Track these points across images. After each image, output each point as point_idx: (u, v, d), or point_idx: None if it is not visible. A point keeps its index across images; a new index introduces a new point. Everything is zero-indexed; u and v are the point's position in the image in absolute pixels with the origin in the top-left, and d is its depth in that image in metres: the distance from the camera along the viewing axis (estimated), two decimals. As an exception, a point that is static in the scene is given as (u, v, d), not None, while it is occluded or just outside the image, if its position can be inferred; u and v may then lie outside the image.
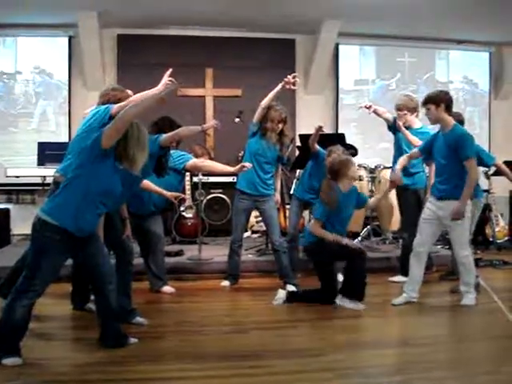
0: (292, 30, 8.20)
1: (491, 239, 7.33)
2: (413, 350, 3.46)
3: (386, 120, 5.59)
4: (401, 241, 6.18)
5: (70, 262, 3.57)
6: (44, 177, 6.91)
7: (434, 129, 4.91)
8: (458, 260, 4.53)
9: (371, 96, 8.63)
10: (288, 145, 5.25)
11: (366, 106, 5.54)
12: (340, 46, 8.57)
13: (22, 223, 7.16)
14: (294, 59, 8.39)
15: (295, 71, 6.62)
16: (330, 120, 8.57)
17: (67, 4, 6.93)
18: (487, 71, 9.08)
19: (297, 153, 6.37)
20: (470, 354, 3.40)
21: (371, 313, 4.33)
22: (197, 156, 5.24)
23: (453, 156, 4.37)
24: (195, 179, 6.60)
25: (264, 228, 5.80)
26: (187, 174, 6.22)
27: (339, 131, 8.11)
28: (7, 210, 7.54)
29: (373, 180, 7.26)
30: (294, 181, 6.70)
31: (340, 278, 4.78)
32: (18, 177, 7.13)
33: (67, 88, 8.00)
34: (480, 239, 7.31)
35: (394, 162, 5.26)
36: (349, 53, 8.70)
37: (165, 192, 4.63)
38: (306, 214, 6.38)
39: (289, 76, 5.09)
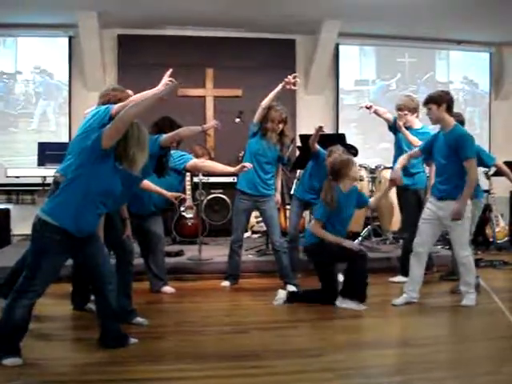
0: (292, 31, 8.21)
1: (491, 239, 7.33)
2: (413, 351, 3.46)
3: (387, 120, 5.59)
4: (401, 241, 6.18)
5: (70, 262, 3.57)
6: (44, 177, 6.91)
7: (434, 129, 4.91)
8: (459, 260, 4.53)
9: (371, 96, 8.64)
10: (288, 145, 5.25)
11: (366, 106, 5.55)
12: (340, 46, 8.58)
13: (22, 223, 7.15)
14: (295, 59, 8.39)
15: (295, 71, 6.62)
16: (331, 120, 8.57)
17: (67, 4, 6.94)
18: (487, 71, 9.09)
19: (297, 153, 6.37)
20: (470, 355, 3.40)
21: (371, 313, 4.33)
22: (197, 156, 5.24)
23: (453, 156, 4.37)
24: (195, 179, 6.59)
25: (264, 228, 5.80)
26: (187, 174, 6.22)
27: (339, 131, 8.11)
28: (7, 211, 7.54)
29: (373, 180, 7.25)
30: (295, 181, 6.70)
31: (340, 278, 4.77)
32: (18, 177, 7.13)
33: (67, 88, 8.01)
34: (480, 239, 7.30)
35: (395, 162, 5.24)
36: (349, 53, 8.71)
37: (165, 192, 4.63)
38: (306, 214, 6.39)
39: (289, 76, 5.09)
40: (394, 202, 6.47)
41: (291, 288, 4.91)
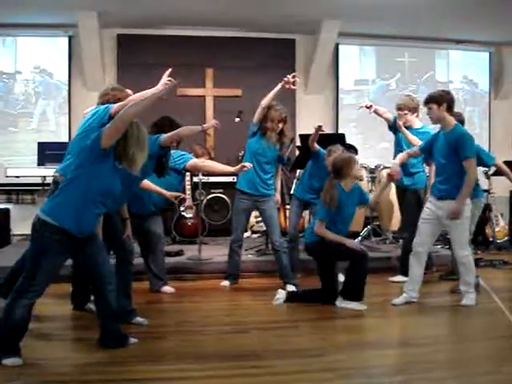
0: (292, 30, 8.20)
1: (491, 239, 7.33)
2: (413, 350, 3.46)
3: (387, 120, 5.60)
4: (401, 241, 6.18)
5: (69, 262, 3.57)
6: (44, 177, 6.91)
7: (434, 129, 4.91)
8: (458, 260, 4.53)
9: (371, 96, 8.63)
10: (288, 145, 5.25)
11: (366, 106, 5.56)
12: (340, 46, 8.57)
13: (21, 223, 7.15)
14: (294, 59, 8.38)
15: (295, 71, 6.61)
16: (330, 120, 8.57)
17: (67, 4, 6.93)
18: (487, 71, 9.09)
19: (297, 153, 6.37)
20: (470, 354, 3.40)
21: (371, 313, 4.33)
22: (197, 156, 5.23)
23: (453, 156, 4.38)
24: (195, 179, 6.59)
25: (264, 228, 5.80)
26: (187, 173, 6.22)
27: (339, 131, 8.12)
28: (7, 210, 7.53)
29: (373, 180, 7.25)
30: (294, 181, 6.70)
31: (341, 278, 4.77)
32: (17, 177, 7.13)
33: (67, 88, 8.00)
34: (480, 239, 7.31)
35: (395, 162, 5.25)
36: (349, 53, 8.71)
37: (165, 192, 4.64)
38: (306, 214, 6.39)
39: (288, 76, 5.09)
40: (394, 202, 6.48)
41: (291, 288, 4.92)
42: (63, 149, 4.27)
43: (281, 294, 4.62)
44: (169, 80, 3.98)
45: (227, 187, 7.24)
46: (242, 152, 5.95)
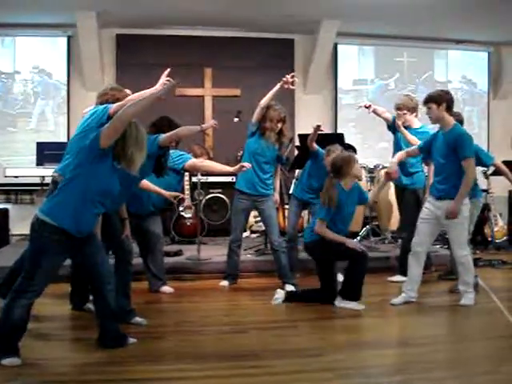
0: (291, 30, 8.20)
1: (490, 239, 7.34)
2: (412, 350, 3.46)
3: (386, 119, 5.60)
4: (400, 240, 6.19)
5: (68, 262, 3.56)
6: (43, 177, 6.89)
7: (433, 129, 4.91)
8: (457, 260, 4.53)
9: (370, 96, 8.63)
10: (287, 144, 5.25)
11: (365, 106, 5.55)
12: (339, 46, 8.57)
13: (20, 223, 7.15)
14: (293, 59, 8.38)
15: (294, 71, 6.61)
16: (329, 120, 8.57)
17: (66, 4, 6.93)
18: (486, 71, 9.09)
19: (296, 153, 6.37)
20: (469, 354, 3.40)
21: (370, 313, 4.33)
22: (196, 156, 5.23)
23: (452, 155, 4.38)
24: (194, 179, 6.58)
25: (263, 228, 5.80)
26: (186, 173, 6.21)
27: (338, 131, 8.12)
28: (6, 210, 7.53)
29: (372, 180, 7.26)
30: (293, 181, 6.70)
31: (340, 278, 4.77)
32: (16, 177, 7.12)
33: (66, 88, 8.00)
34: (479, 239, 7.32)
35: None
36: (347, 53, 8.71)
37: (164, 192, 4.63)
38: (304, 213, 6.39)
39: (287, 76, 5.09)
40: (393, 202, 6.48)
41: (290, 288, 4.92)
42: (62, 149, 4.27)
43: (280, 294, 4.61)
44: (167, 80, 3.98)
45: (226, 187, 7.24)
46: (241, 152, 5.94)
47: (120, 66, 7.95)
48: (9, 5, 6.92)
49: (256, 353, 3.37)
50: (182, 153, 4.86)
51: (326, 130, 6.53)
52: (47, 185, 4.39)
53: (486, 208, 7.16)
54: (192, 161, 4.84)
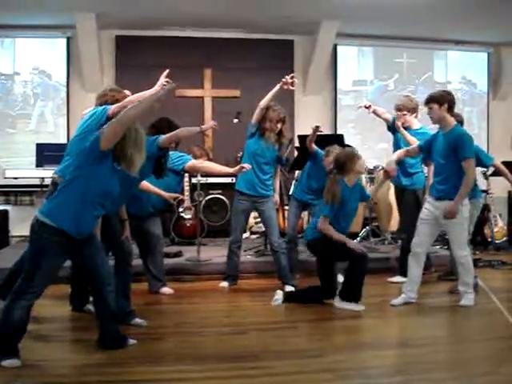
0: (290, 31, 8.21)
1: (490, 240, 7.33)
2: (412, 351, 3.46)
3: (386, 120, 5.60)
4: (399, 241, 6.18)
5: (68, 263, 3.56)
6: (42, 178, 6.89)
7: (433, 129, 4.91)
8: (457, 260, 4.53)
9: (369, 96, 8.63)
10: (287, 145, 5.25)
11: (365, 106, 5.56)
12: (338, 47, 8.58)
13: (20, 225, 7.14)
14: (293, 60, 8.38)
15: (293, 72, 6.61)
16: (329, 121, 8.57)
17: (65, 5, 6.93)
18: (485, 72, 9.10)
19: (295, 153, 6.37)
20: (468, 355, 3.40)
21: (370, 313, 4.33)
22: (195, 157, 5.23)
23: (452, 156, 4.38)
24: (194, 180, 6.59)
25: (263, 229, 5.80)
26: (186, 175, 6.21)
27: (338, 132, 8.13)
28: (6, 212, 7.52)
29: (371, 180, 7.26)
30: (293, 182, 6.70)
31: (340, 278, 4.77)
32: (16, 178, 7.13)
33: (65, 89, 8.01)
34: (479, 240, 7.31)
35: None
36: (347, 53, 8.71)
37: (163, 193, 4.63)
38: (304, 214, 6.39)
39: (287, 76, 5.08)
40: (393, 203, 6.48)
41: (289, 289, 4.91)
42: (62, 150, 4.27)
43: (279, 295, 4.61)
44: (166, 81, 3.98)
45: (226, 188, 7.24)
46: (241, 153, 5.94)
47: (119, 67, 7.96)
48: (9, 6, 6.93)
49: (256, 354, 3.37)
50: (181, 154, 4.86)
51: (326, 130, 6.53)
52: (47, 186, 4.39)
53: (485, 209, 7.15)
54: (192, 162, 4.84)
